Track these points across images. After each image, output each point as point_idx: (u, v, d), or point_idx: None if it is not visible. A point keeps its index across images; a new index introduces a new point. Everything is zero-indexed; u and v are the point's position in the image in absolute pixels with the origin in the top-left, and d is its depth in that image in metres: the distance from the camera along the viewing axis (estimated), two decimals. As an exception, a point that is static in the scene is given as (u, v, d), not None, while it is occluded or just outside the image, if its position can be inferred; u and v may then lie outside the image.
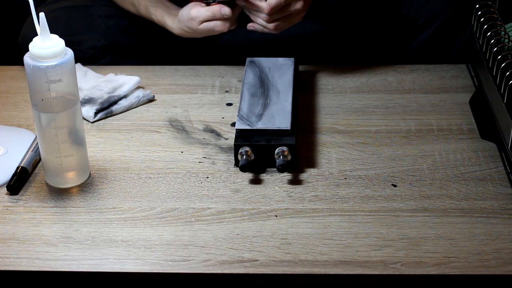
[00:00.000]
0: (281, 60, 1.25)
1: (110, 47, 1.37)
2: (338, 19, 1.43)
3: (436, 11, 1.36)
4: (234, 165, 1.08)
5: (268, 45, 1.45)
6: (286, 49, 1.44)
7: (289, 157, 1.06)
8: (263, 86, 1.19)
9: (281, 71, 1.23)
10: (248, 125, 1.10)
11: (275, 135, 1.08)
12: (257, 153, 1.06)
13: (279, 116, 1.11)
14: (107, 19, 1.38)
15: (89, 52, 1.36)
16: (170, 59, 1.41)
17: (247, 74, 1.22)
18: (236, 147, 1.07)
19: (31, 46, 0.96)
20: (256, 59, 1.26)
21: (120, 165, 1.10)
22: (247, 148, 1.06)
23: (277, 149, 1.06)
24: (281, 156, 1.05)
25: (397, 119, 1.18)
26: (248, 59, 1.26)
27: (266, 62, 1.25)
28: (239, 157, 1.06)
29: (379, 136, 1.15)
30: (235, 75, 1.30)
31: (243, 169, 1.05)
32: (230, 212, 1.00)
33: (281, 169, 1.04)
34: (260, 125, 1.09)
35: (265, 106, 1.14)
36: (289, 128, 1.08)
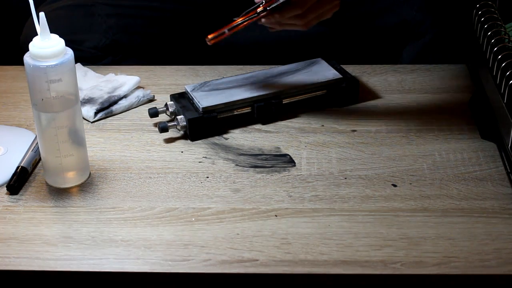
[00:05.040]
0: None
1: (111, 46, 1.37)
2: (339, 20, 1.43)
3: (444, 13, 1.36)
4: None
5: (268, 46, 1.45)
6: (286, 50, 1.45)
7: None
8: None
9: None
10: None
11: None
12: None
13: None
14: (108, 18, 1.38)
15: (91, 52, 1.36)
16: (170, 59, 1.41)
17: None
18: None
19: (31, 45, 0.96)
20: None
21: (120, 165, 1.10)
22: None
23: None
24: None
25: (397, 119, 1.18)
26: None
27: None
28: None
29: (379, 136, 1.15)
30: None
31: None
32: (230, 212, 1.00)
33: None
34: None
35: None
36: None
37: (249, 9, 1.13)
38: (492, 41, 1.12)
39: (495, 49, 1.10)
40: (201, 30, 1.42)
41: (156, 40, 1.41)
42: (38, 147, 1.07)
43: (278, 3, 1.11)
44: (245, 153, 1.11)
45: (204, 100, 1.15)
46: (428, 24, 1.37)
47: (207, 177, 1.07)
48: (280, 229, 0.97)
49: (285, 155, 1.11)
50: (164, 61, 1.39)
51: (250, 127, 1.18)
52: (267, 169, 1.08)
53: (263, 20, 1.13)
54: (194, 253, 0.93)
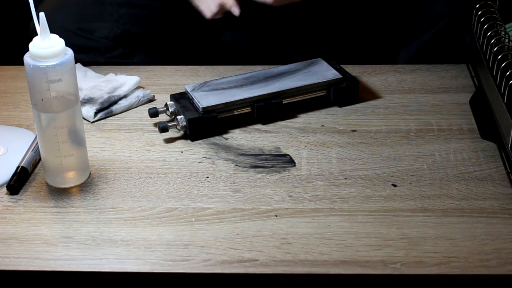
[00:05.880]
0: None
1: (123, 36, 1.37)
2: (338, 20, 1.43)
3: (441, 13, 1.36)
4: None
5: (268, 46, 1.45)
6: (287, 50, 1.45)
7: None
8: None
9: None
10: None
11: None
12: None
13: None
14: (119, 7, 1.37)
15: (103, 42, 1.35)
16: (170, 59, 1.41)
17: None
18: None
19: (31, 46, 0.96)
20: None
21: (120, 165, 1.10)
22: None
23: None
24: None
25: (397, 119, 1.18)
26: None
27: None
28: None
29: (379, 136, 1.15)
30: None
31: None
32: (230, 212, 1.00)
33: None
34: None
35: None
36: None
37: None
38: (492, 41, 1.12)
39: (495, 49, 1.10)
40: (205, 24, 1.42)
41: (164, 32, 1.41)
42: (38, 147, 1.07)
43: None
44: (245, 153, 1.11)
45: (204, 100, 1.15)
46: (424, 24, 1.37)
47: (207, 177, 1.07)
48: (280, 229, 0.97)
49: (285, 155, 1.11)
50: (172, 56, 1.38)
51: (250, 127, 1.18)
52: (267, 169, 1.08)
53: None
54: (194, 253, 0.93)
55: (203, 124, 1.14)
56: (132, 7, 1.38)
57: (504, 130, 1.04)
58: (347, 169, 1.07)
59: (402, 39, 1.40)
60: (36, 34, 0.96)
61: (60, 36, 0.98)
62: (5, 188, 1.04)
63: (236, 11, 1.19)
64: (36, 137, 1.08)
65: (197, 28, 1.43)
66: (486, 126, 1.12)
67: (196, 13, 1.40)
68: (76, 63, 1.09)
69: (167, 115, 1.18)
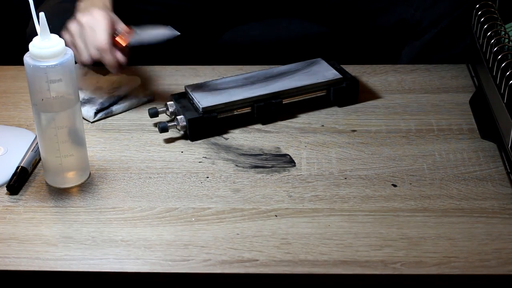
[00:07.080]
0: None
1: None
2: (339, 20, 1.43)
3: (442, 13, 1.36)
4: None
5: (268, 46, 1.45)
6: (287, 50, 1.45)
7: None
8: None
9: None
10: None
11: None
12: None
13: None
14: (113, 11, 1.37)
15: None
16: (170, 59, 1.41)
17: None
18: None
19: (31, 46, 0.96)
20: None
21: (120, 165, 1.10)
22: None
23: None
24: None
25: (397, 119, 1.18)
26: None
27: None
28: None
29: (379, 136, 1.15)
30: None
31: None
32: (230, 212, 1.00)
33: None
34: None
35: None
36: None
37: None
38: (492, 41, 1.12)
39: (495, 49, 1.10)
40: (205, 24, 1.42)
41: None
42: (38, 147, 1.07)
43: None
44: (245, 153, 1.11)
45: (204, 100, 1.15)
46: (426, 23, 1.37)
47: (207, 177, 1.07)
48: (280, 229, 0.97)
49: (285, 155, 1.11)
50: (172, 56, 1.38)
51: (250, 127, 1.18)
52: (267, 169, 1.08)
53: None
54: (194, 253, 0.93)
55: (203, 124, 1.14)
56: (128, 11, 1.37)
57: (504, 130, 1.04)
58: (347, 169, 1.07)
59: (404, 39, 1.40)
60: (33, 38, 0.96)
61: None
62: (5, 188, 1.04)
63: (114, 71, 1.17)
64: (36, 137, 1.08)
65: (197, 28, 1.43)
66: (486, 126, 1.12)
67: (195, 13, 1.40)
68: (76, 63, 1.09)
69: (167, 115, 1.18)
